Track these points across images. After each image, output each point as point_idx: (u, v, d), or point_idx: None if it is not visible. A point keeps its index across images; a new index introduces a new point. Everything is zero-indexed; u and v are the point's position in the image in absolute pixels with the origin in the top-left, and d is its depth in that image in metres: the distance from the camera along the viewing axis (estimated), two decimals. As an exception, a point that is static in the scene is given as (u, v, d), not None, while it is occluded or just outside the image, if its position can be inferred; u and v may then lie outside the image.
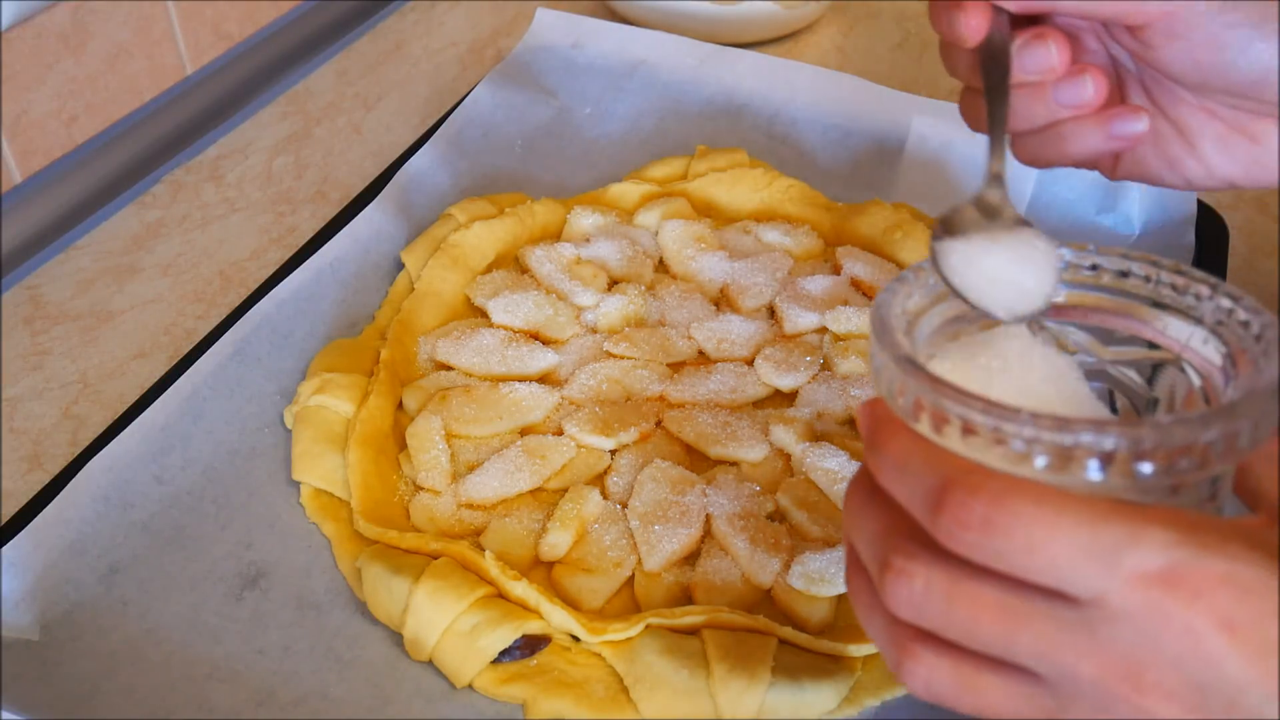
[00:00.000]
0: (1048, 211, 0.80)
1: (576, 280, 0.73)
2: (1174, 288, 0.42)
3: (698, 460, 0.64)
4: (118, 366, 0.71)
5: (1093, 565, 0.33)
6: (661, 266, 0.76)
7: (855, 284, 0.74)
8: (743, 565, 0.57)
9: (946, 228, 0.44)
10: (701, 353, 0.70)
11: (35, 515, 0.56)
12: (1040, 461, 0.34)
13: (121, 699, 0.52)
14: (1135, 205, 0.78)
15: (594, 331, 0.71)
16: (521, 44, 0.94)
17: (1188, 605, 0.32)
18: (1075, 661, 0.34)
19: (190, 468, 0.61)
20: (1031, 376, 0.40)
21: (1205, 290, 0.41)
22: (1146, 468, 0.34)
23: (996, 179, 0.46)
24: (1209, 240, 0.76)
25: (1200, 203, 0.77)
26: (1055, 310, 0.44)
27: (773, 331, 0.71)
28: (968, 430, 0.35)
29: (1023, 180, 0.81)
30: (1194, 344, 0.41)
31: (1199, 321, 0.41)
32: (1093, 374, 0.43)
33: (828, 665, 0.53)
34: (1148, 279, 0.42)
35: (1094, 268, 0.43)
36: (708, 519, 0.60)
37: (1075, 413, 0.39)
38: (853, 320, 0.70)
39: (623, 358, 0.68)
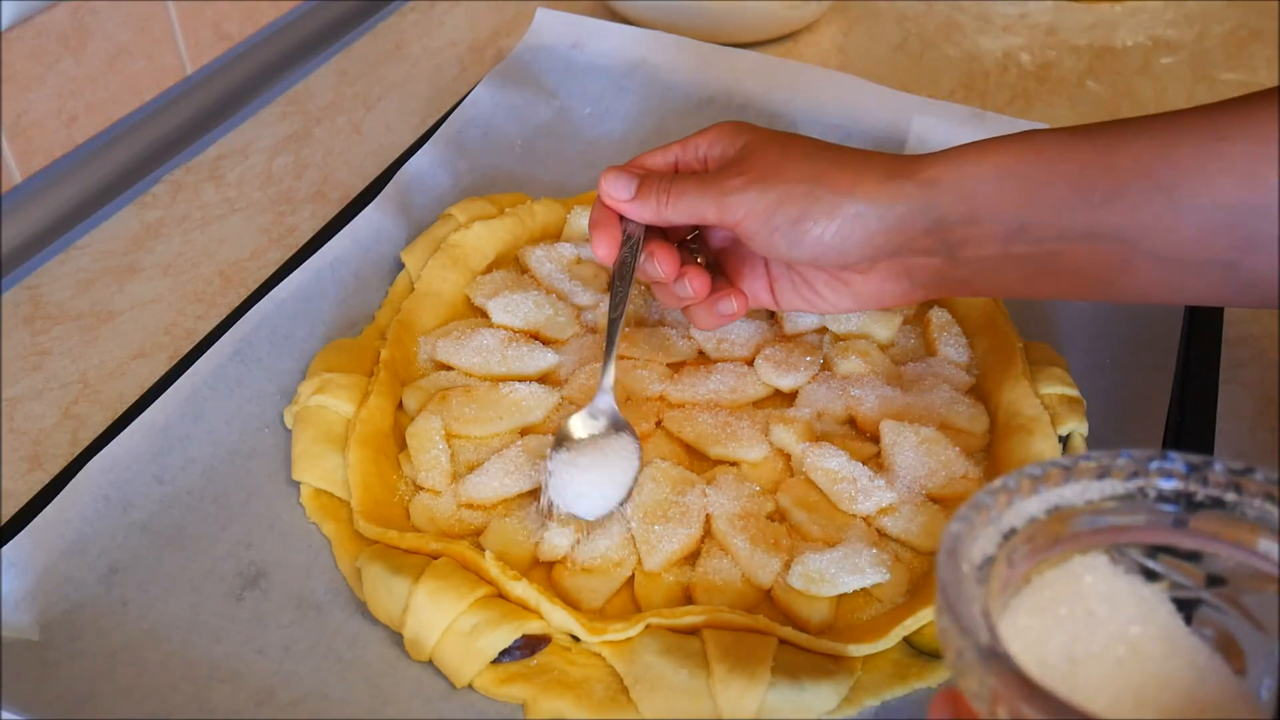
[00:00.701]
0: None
1: (576, 280, 0.73)
2: (1271, 497, 0.37)
3: (698, 460, 0.64)
4: (118, 366, 0.71)
5: None
6: (661, 266, 0.76)
7: (855, 284, 0.74)
8: (743, 565, 0.57)
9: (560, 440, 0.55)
10: (701, 353, 0.70)
11: (35, 515, 0.56)
12: None
13: (121, 699, 0.52)
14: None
15: (594, 331, 0.71)
16: (521, 44, 0.94)
17: None
18: None
19: (190, 468, 0.61)
20: (1120, 618, 0.36)
21: None
22: None
23: (604, 393, 0.61)
24: (1209, 240, 0.76)
25: (1200, 203, 0.77)
26: (1137, 533, 0.40)
27: (773, 331, 0.71)
28: None
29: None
30: None
31: None
32: (1189, 604, 0.39)
33: (828, 665, 0.53)
34: (1240, 490, 0.38)
35: (1172, 475, 0.39)
36: (708, 519, 0.60)
37: (1172, 653, 0.35)
38: (853, 320, 0.70)
39: (623, 358, 0.68)
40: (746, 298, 0.65)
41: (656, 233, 0.64)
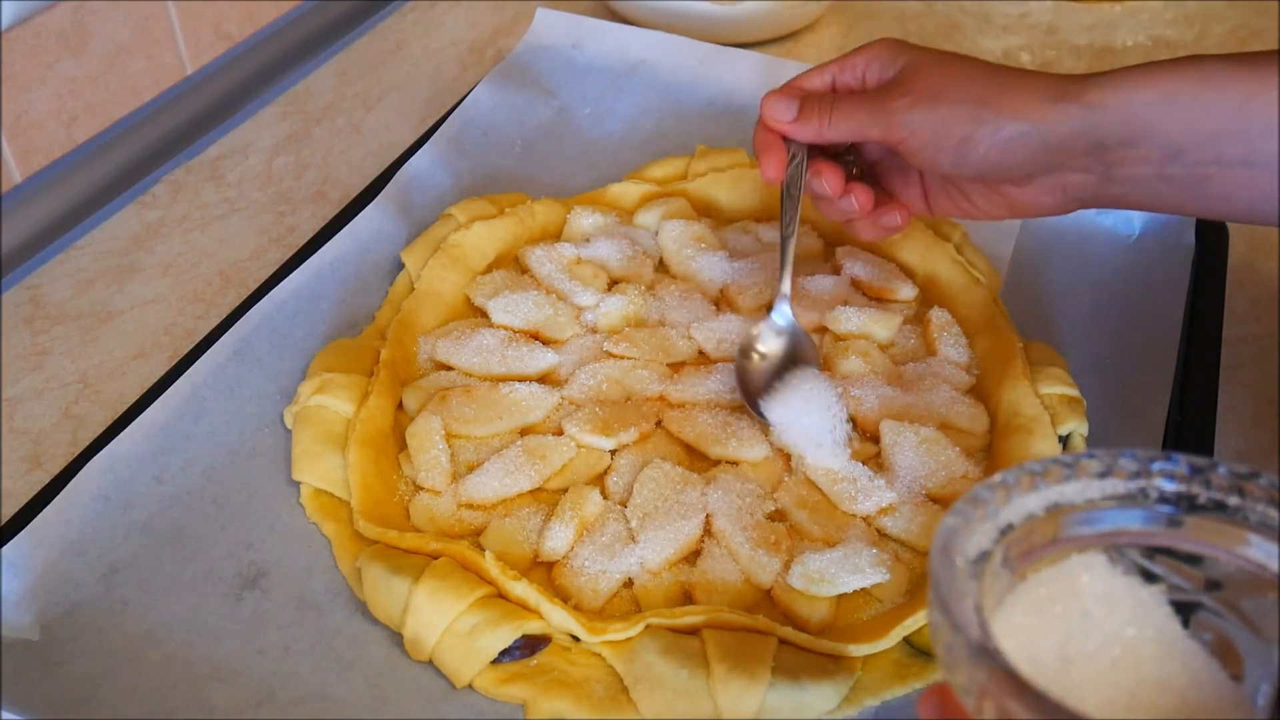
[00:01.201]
0: (1048, 211, 0.80)
1: (576, 280, 0.73)
2: (1274, 502, 0.37)
3: (698, 460, 0.64)
4: (118, 366, 0.71)
5: None
6: (661, 266, 0.76)
7: (855, 284, 0.74)
8: (743, 565, 0.57)
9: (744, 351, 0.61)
10: (701, 353, 0.70)
11: (35, 515, 0.56)
12: None
13: (121, 699, 0.52)
14: (1135, 205, 0.78)
15: (594, 331, 0.71)
16: (521, 44, 0.94)
17: None
18: None
19: (190, 468, 0.61)
20: (1116, 619, 0.36)
21: None
22: None
23: (783, 299, 0.66)
24: (1209, 241, 0.76)
25: (1200, 203, 0.77)
26: (1137, 534, 0.39)
27: (773, 331, 0.71)
28: None
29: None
30: None
31: None
32: (1187, 607, 0.38)
33: (828, 665, 0.53)
34: (1243, 493, 0.37)
35: (1174, 476, 0.38)
36: (708, 519, 0.60)
37: (1167, 656, 0.35)
38: (853, 320, 0.70)
39: (623, 358, 0.68)
40: (909, 211, 0.67)
41: (817, 149, 0.66)
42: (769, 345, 0.67)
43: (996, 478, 0.38)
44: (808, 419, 0.62)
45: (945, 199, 0.65)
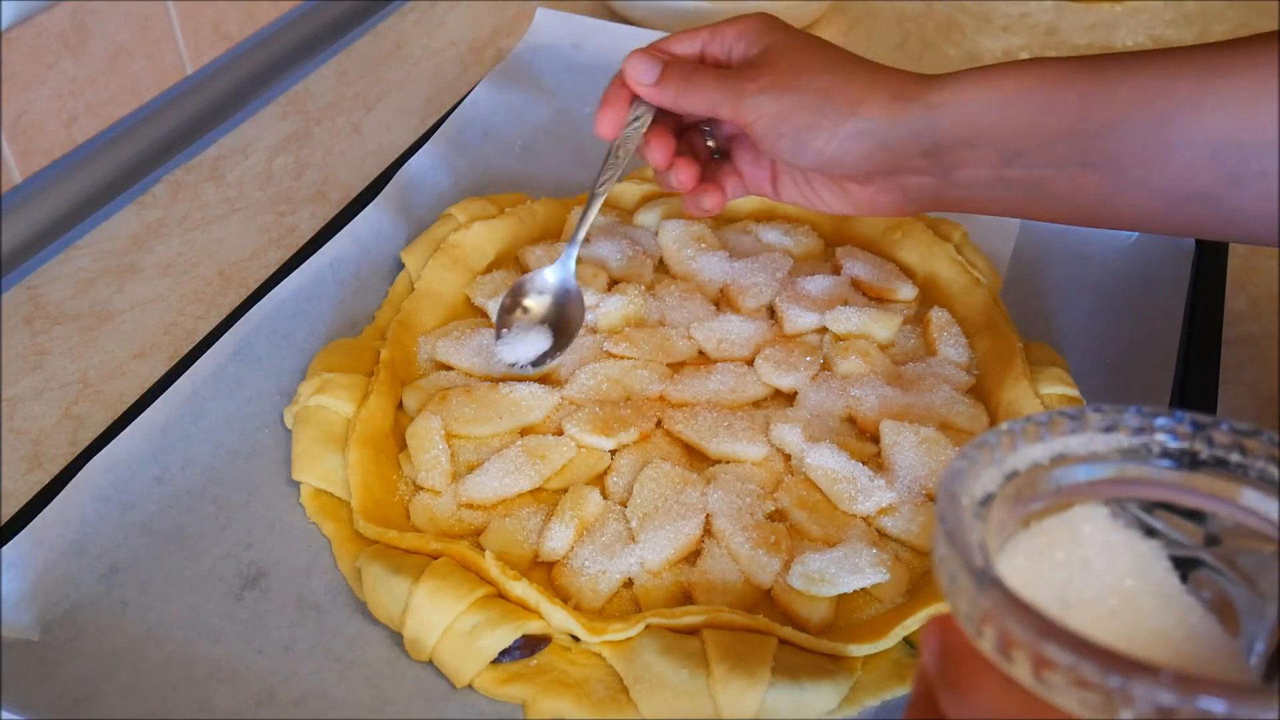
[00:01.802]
0: (1048, 211, 0.80)
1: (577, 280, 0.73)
2: (1275, 459, 0.37)
3: (698, 460, 0.64)
4: (118, 366, 0.71)
5: None
6: (661, 266, 0.76)
7: (855, 284, 0.74)
8: (743, 565, 0.57)
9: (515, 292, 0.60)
10: (701, 353, 0.70)
11: (35, 515, 0.56)
12: (1128, 715, 0.29)
13: (121, 699, 0.52)
14: (1135, 205, 0.78)
15: (594, 331, 0.71)
16: (521, 44, 0.94)
17: None
18: None
19: (190, 468, 0.61)
20: (1115, 570, 0.36)
21: None
22: None
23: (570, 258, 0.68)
24: (1209, 242, 0.76)
25: (1200, 203, 0.77)
26: (1140, 488, 0.39)
27: (773, 331, 0.71)
28: (1081, 684, 0.30)
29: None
30: None
31: None
32: (1187, 563, 0.38)
33: (828, 665, 0.53)
34: (1244, 451, 0.38)
35: (1177, 434, 0.39)
36: (708, 519, 0.60)
37: (1165, 609, 0.35)
38: (853, 320, 0.70)
39: (623, 358, 0.68)
40: (726, 194, 0.67)
41: (668, 116, 0.66)
42: (536, 301, 0.68)
43: (1004, 426, 0.39)
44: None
45: (792, 187, 0.66)
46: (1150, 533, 0.38)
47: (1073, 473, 0.39)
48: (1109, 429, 0.39)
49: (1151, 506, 0.39)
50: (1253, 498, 0.37)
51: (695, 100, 0.63)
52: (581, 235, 0.68)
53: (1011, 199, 0.58)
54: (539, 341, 0.67)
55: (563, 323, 0.68)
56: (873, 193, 0.62)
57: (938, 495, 0.36)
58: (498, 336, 0.67)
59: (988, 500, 0.37)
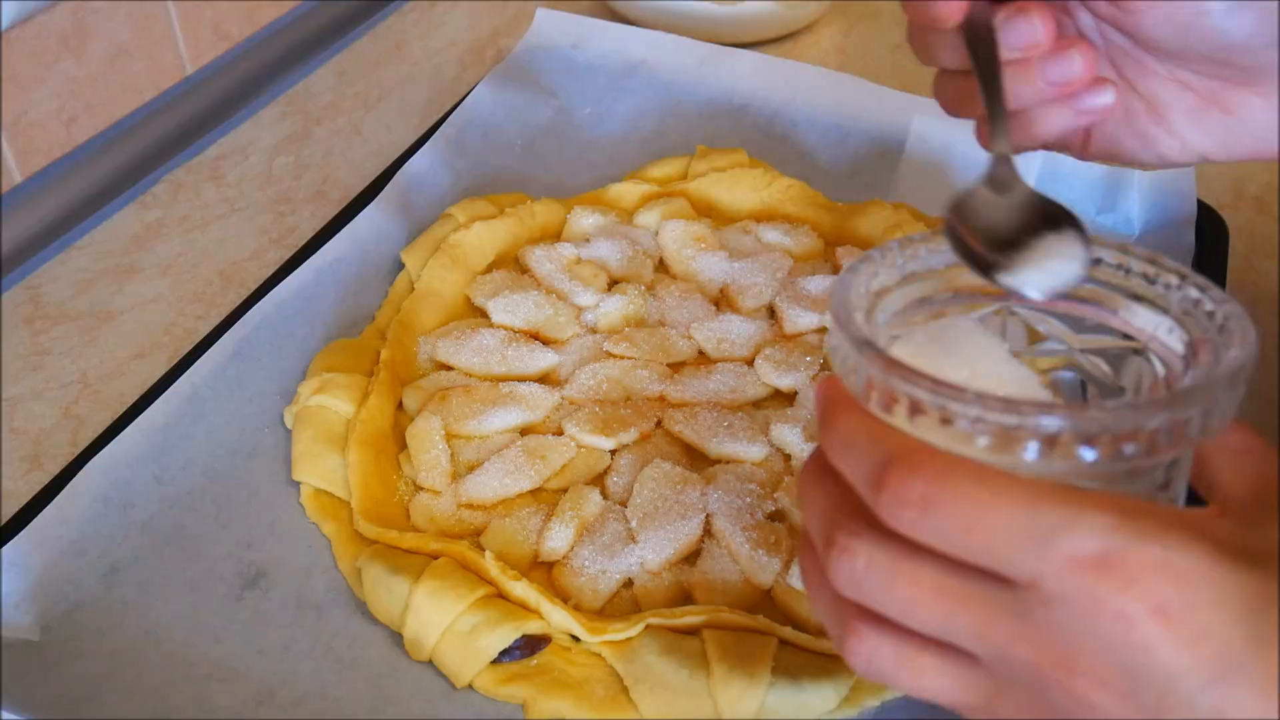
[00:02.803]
0: (1048, 211, 0.80)
1: (576, 280, 0.73)
2: (1145, 277, 0.42)
3: (698, 460, 0.64)
4: (118, 366, 0.71)
5: (1028, 547, 0.33)
6: (661, 266, 0.76)
7: (855, 284, 0.74)
8: (743, 565, 0.57)
9: (960, 212, 0.43)
10: (701, 353, 0.70)
11: (35, 515, 0.56)
12: (983, 441, 0.34)
13: (121, 699, 0.52)
14: (1135, 205, 0.78)
15: (594, 331, 0.71)
16: (521, 44, 0.94)
17: (1120, 590, 0.32)
18: (1010, 645, 0.34)
19: (190, 468, 0.61)
20: (985, 362, 0.40)
21: (1174, 279, 0.41)
22: (1089, 453, 0.34)
23: (1004, 160, 0.45)
24: (1209, 240, 0.76)
25: (1200, 203, 0.77)
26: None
27: (773, 331, 0.71)
28: (915, 409, 0.36)
29: (1022, 179, 0.80)
30: (1160, 333, 0.41)
31: (1166, 311, 0.41)
32: (1063, 362, 0.43)
33: (828, 665, 0.53)
34: (1119, 267, 0.42)
35: None
36: (708, 519, 0.60)
37: (1021, 394, 0.39)
38: (853, 320, 0.70)
39: (623, 358, 0.68)
40: (1114, 88, 0.48)
41: None
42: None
43: (908, 237, 0.43)
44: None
45: (1132, 116, 0.49)
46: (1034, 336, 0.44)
47: (965, 278, 0.43)
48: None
49: (1034, 310, 0.43)
50: (1127, 307, 0.42)
51: None
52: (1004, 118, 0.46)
53: None
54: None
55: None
56: (1269, 111, 0.46)
57: (830, 293, 0.41)
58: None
59: (880, 293, 0.42)
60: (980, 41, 0.47)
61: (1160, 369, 0.41)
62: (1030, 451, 0.34)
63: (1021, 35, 0.47)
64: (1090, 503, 0.33)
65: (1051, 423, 0.34)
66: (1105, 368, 0.43)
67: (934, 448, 0.35)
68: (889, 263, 0.42)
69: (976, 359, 0.40)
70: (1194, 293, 0.40)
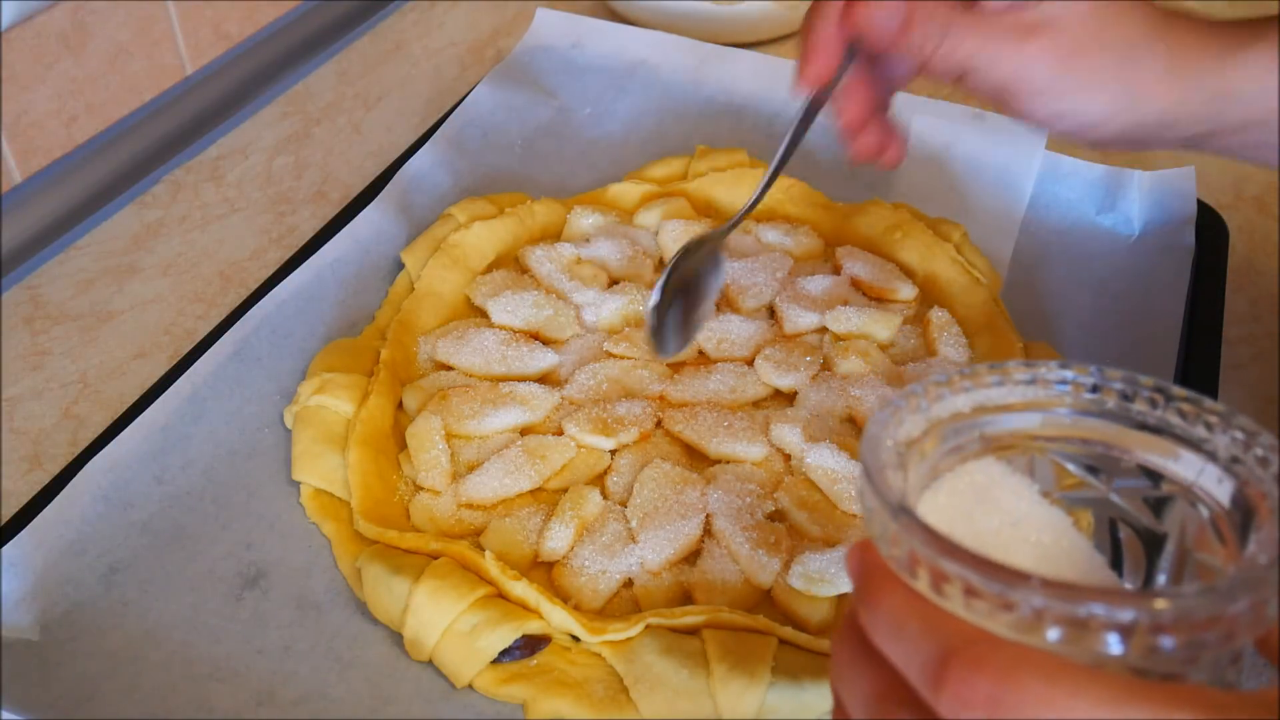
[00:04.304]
0: (1048, 212, 0.80)
1: (576, 280, 0.73)
2: (1182, 415, 0.39)
3: (697, 460, 0.64)
4: (118, 366, 0.71)
5: None
6: (661, 266, 0.76)
7: (855, 284, 0.74)
8: (743, 565, 0.57)
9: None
10: (701, 353, 0.70)
11: (35, 515, 0.56)
12: (1053, 634, 0.32)
13: (121, 699, 0.52)
14: (1135, 205, 0.78)
15: (594, 331, 0.71)
16: (521, 44, 0.94)
17: None
18: None
19: (190, 468, 0.61)
20: (1016, 507, 0.38)
21: (1215, 420, 0.39)
22: (1168, 642, 0.31)
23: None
24: (1209, 240, 0.76)
25: (1200, 203, 0.77)
26: (1055, 438, 0.42)
27: (773, 331, 0.71)
28: (970, 593, 0.33)
29: (1022, 179, 0.81)
30: (1205, 480, 0.39)
31: (1210, 454, 0.39)
32: (1095, 505, 0.41)
33: (828, 665, 0.53)
34: (1154, 404, 0.40)
35: (1096, 389, 0.41)
36: (708, 519, 0.60)
37: (1058, 542, 0.37)
38: (853, 320, 0.70)
39: (623, 358, 0.68)
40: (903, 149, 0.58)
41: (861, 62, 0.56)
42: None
43: (931, 378, 0.41)
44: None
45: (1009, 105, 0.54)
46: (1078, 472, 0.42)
47: (995, 422, 0.42)
48: (1030, 382, 0.42)
49: (1066, 453, 0.42)
50: (1165, 447, 0.40)
51: (949, 55, 0.51)
52: (751, 206, 0.61)
53: (1271, 158, 0.50)
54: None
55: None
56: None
57: (860, 449, 0.38)
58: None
59: (910, 445, 0.40)
60: (807, 108, 0.58)
61: (1205, 513, 0.39)
62: (1109, 644, 0.32)
63: (842, 112, 0.58)
64: (1178, 701, 0.30)
65: (1128, 614, 0.31)
66: (1143, 511, 0.41)
67: (996, 637, 0.32)
68: (913, 408, 0.40)
69: (1008, 504, 0.38)
70: (1240, 435, 0.38)
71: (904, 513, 0.35)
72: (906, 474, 0.38)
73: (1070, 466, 0.42)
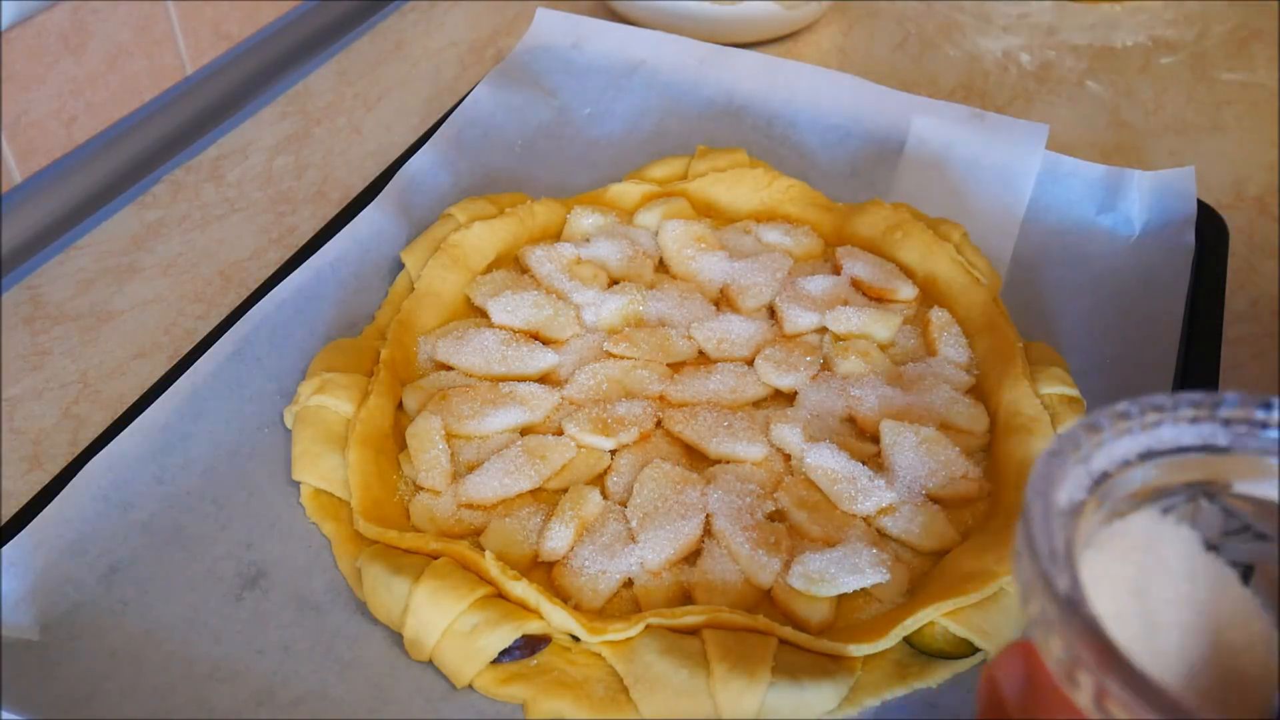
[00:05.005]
0: (1047, 212, 0.80)
1: (576, 280, 0.73)
2: None
3: (697, 460, 0.64)
4: (118, 366, 0.71)
5: None
6: (661, 266, 0.76)
7: (855, 284, 0.74)
8: (743, 565, 0.57)
9: None
10: (701, 353, 0.70)
11: (35, 515, 0.56)
12: None
13: (121, 699, 0.52)
14: (1135, 205, 0.78)
15: (594, 331, 0.71)
16: (521, 44, 0.94)
17: None
18: None
19: (190, 468, 0.61)
20: (1181, 563, 0.36)
21: None
22: None
23: None
24: (1209, 240, 0.76)
25: (1200, 203, 0.77)
26: (1217, 482, 0.38)
27: (773, 331, 0.71)
28: None
29: (1022, 179, 0.81)
30: None
31: None
32: (1261, 554, 0.38)
33: (828, 665, 0.53)
34: None
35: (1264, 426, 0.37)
36: (708, 519, 0.60)
37: (1226, 603, 0.34)
38: (853, 320, 0.70)
39: (623, 358, 0.68)
40: None
41: None
42: None
43: (1089, 420, 0.37)
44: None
45: None
46: (1233, 524, 0.38)
47: (1159, 468, 0.37)
48: (1195, 420, 0.38)
49: (1235, 496, 0.38)
50: None
51: None
52: None
53: None
54: None
55: None
56: None
57: (1019, 530, 0.33)
58: None
59: (1078, 507, 0.35)
60: None
61: None
62: None
63: None
64: None
65: None
66: None
67: None
68: (1077, 459, 0.36)
69: (1175, 564, 0.36)
70: None
71: (1074, 610, 0.31)
72: (1069, 541, 0.34)
73: (1236, 511, 0.38)
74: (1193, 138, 0.92)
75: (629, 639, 0.54)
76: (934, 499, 0.61)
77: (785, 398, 0.68)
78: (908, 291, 0.73)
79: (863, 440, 0.65)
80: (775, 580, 0.57)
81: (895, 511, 0.60)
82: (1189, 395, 0.38)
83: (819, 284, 0.73)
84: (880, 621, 0.54)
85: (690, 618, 0.54)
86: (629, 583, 0.58)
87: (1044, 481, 0.35)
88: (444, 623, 0.53)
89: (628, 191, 0.81)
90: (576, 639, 0.54)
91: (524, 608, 0.54)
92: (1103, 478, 0.36)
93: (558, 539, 0.58)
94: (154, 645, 0.54)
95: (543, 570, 0.58)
